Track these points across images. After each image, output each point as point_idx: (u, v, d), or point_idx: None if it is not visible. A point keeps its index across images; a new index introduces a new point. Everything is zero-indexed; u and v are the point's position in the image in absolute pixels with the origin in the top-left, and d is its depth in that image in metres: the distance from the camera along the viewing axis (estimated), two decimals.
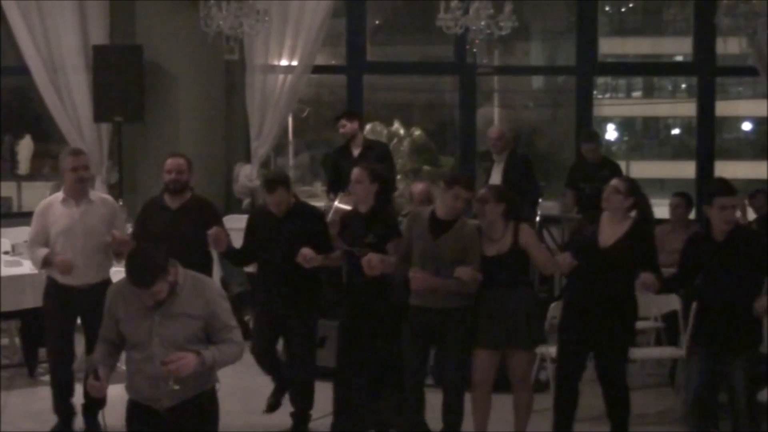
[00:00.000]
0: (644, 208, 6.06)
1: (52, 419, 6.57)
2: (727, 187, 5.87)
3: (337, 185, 8.47)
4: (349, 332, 6.32)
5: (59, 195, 6.45)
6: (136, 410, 4.52)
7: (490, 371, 6.06)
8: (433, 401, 6.27)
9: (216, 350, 4.43)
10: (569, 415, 6.14)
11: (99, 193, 6.76)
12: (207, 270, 6.52)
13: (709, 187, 6.02)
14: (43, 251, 6.33)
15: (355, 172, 6.31)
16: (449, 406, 6.10)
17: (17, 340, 8.16)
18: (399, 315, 6.18)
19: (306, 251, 6.13)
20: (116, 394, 4.60)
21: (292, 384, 6.62)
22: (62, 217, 6.36)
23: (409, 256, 6.06)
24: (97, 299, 6.26)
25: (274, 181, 6.38)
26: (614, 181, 6.11)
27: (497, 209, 5.95)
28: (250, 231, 6.59)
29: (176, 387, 4.33)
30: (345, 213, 6.83)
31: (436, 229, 5.97)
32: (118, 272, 6.93)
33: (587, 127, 10.70)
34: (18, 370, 7.92)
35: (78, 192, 6.37)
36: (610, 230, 5.98)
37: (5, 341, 8.38)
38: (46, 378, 7.01)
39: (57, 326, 6.48)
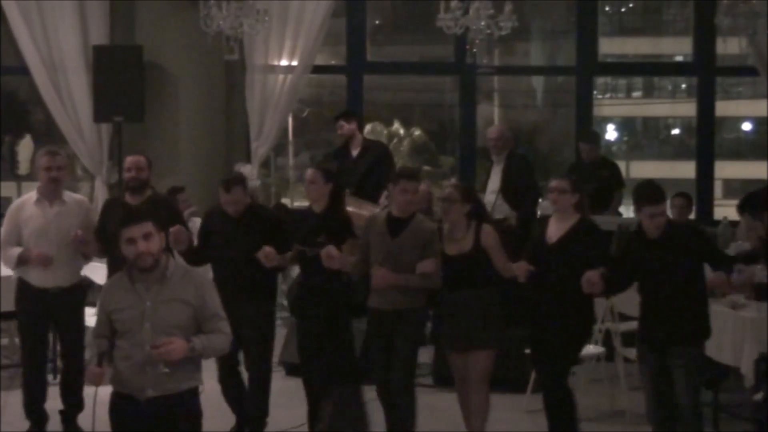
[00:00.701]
0: (584, 207, 6.02)
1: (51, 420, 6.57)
2: (654, 194, 5.61)
3: None
4: (301, 332, 6.31)
5: (33, 195, 6.42)
6: (118, 402, 4.54)
7: (466, 371, 6.02)
8: (434, 402, 6.27)
9: (205, 338, 4.48)
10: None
11: (73, 194, 6.70)
12: None
13: (636, 193, 5.71)
14: (17, 250, 6.30)
15: (309, 172, 6.28)
16: (394, 405, 6.00)
17: (17, 340, 8.15)
18: (350, 315, 6.21)
19: (268, 249, 6.12)
20: (108, 394, 4.60)
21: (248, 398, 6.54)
22: (36, 217, 6.33)
23: (367, 260, 6.05)
24: (70, 303, 6.38)
25: (231, 180, 6.39)
26: (557, 183, 6.04)
27: (464, 209, 5.96)
28: (205, 231, 6.58)
29: (166, 370, 4.37)
30: (297, 212, 6.74)
31: (393, 228, 5.98)
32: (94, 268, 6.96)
33: (588, 128, 10.70)
34: (18, 370, 7.89)
35: (51, 192, 6.35)
36: (556, 227, 5.98)
37: (5, 341, 8.38)
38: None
39: (30, 330, 6.48)
